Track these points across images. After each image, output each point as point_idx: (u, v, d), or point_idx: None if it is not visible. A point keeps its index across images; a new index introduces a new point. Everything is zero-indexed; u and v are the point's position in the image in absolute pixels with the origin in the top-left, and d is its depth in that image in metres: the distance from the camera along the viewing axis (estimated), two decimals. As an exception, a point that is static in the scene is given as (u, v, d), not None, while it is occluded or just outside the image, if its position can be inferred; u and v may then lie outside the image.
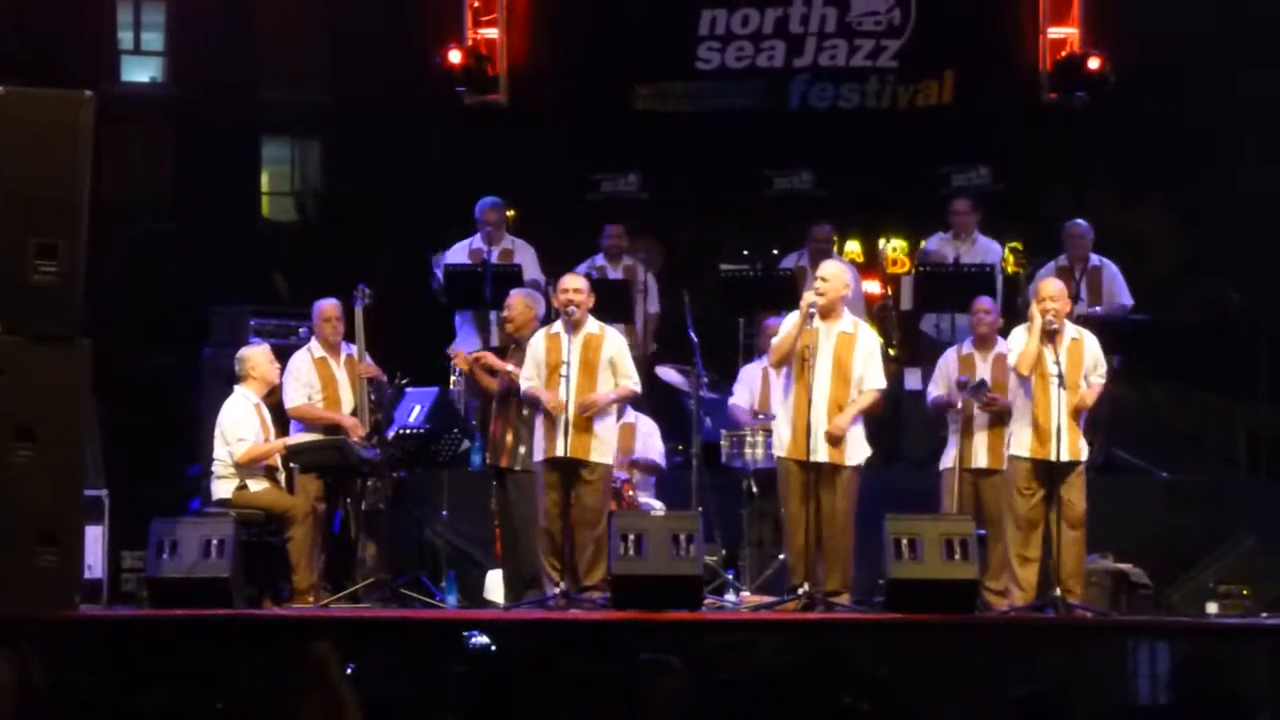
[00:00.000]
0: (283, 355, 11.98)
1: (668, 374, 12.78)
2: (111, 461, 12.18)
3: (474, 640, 9.59)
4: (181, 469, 13.10)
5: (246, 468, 11.48)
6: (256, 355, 11.81)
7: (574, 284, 11.19)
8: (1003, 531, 11.04)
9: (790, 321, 10.87)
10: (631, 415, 12.08)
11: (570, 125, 15.90)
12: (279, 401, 11.79)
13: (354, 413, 11.76)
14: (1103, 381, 11.00)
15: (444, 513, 12.17)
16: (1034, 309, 10.88)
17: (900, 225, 15.96)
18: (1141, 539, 12.30)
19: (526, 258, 13.74)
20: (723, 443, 12.05)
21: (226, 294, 14.18)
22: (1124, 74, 15.20)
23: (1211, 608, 11.75)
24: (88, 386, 9.89)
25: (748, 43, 15.93)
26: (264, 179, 19.84)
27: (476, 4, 16.02)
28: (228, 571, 10.63)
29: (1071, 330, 10.95)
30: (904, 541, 10.45)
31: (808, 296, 10.81)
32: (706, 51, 15.98)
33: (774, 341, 10.99)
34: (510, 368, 11.39)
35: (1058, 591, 10.54)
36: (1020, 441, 10.84)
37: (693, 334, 12.69)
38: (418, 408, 12.36)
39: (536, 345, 11.11)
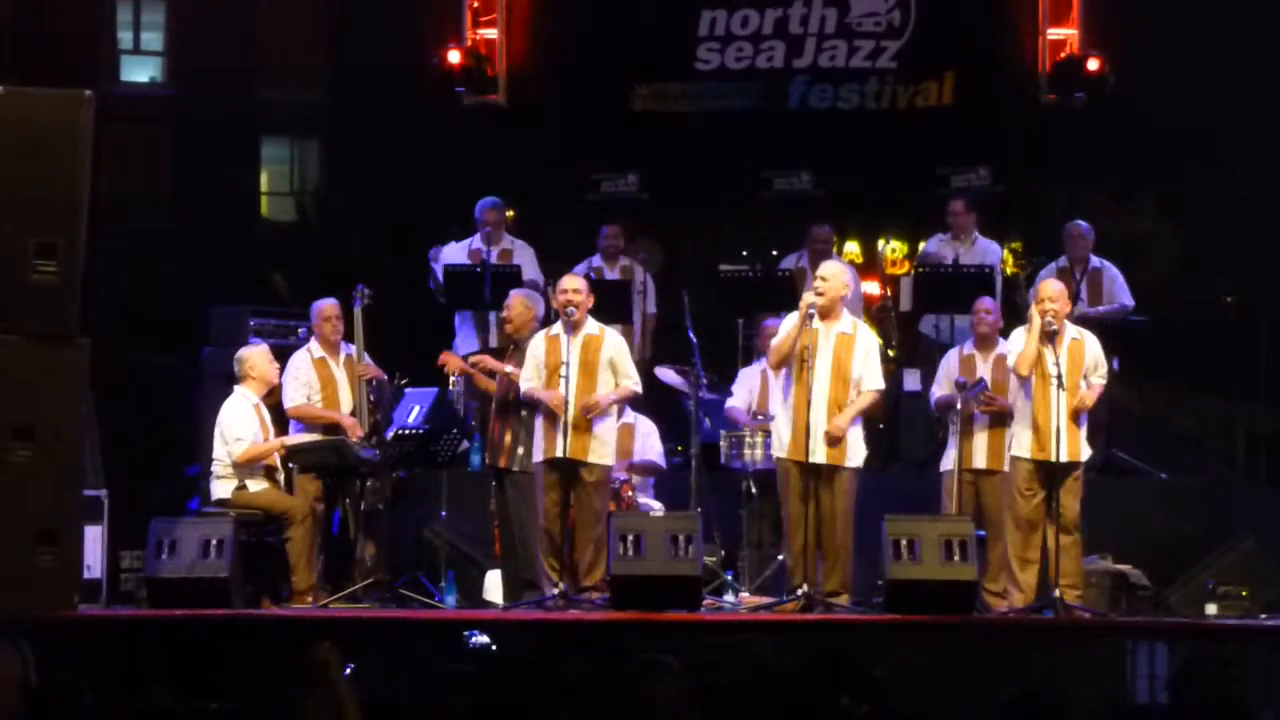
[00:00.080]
0: (282, 355, 11.98)
1: (667, 375, 12.77)
2: (111, 461, 12.19)
3: (474, 640, 9.60)
4: (180, 469, 13.09)
5: (245, 468, 11.48)
6: (256, 355, 11.81)
7: (573, 285, 11.19)
8: (1002, 533, 11.05)
9: (789, 322, 10.87)
10: (630, 416, 12.08)
11: (569, 126, 15.88)
12: (278, 401, 11.79)
13: (353, 413, 11.76)
14: (1103, 382, 11.01)
15: (443, 513, 12.16)
16: (1033, 310, 10.89)
17: (899, 226, 15.96)
18: (1140, 540, 12.30)
19: (526, 258, 13.74)
20: (722, 443, 12.06)
21: (226, 294, 14.15)
22: (1124, 74, 15.19)
23: (1210, 609, 11.73)
24: (87, 386, 9.90)
25: (747, 43, 15.92)
26: (263, 179, 19.78)
27: (476, 4, 16.02)
28: (227, 571, 10.64)
29: (1072, 330, 10.95)
30: (903, 542, 10.47)
31: (807, 297, 10.81)
32: (706, 52, 15.97)
33: (773, 342, 10.99)
34: (509, 369, 11.40)
35: (1057, 593, 10.54)
36: (1021, 443, 10.85)
37: (692, 334, 12.69)
38: (417, 408, 12.34)
39: (536, 347, 11.11)
